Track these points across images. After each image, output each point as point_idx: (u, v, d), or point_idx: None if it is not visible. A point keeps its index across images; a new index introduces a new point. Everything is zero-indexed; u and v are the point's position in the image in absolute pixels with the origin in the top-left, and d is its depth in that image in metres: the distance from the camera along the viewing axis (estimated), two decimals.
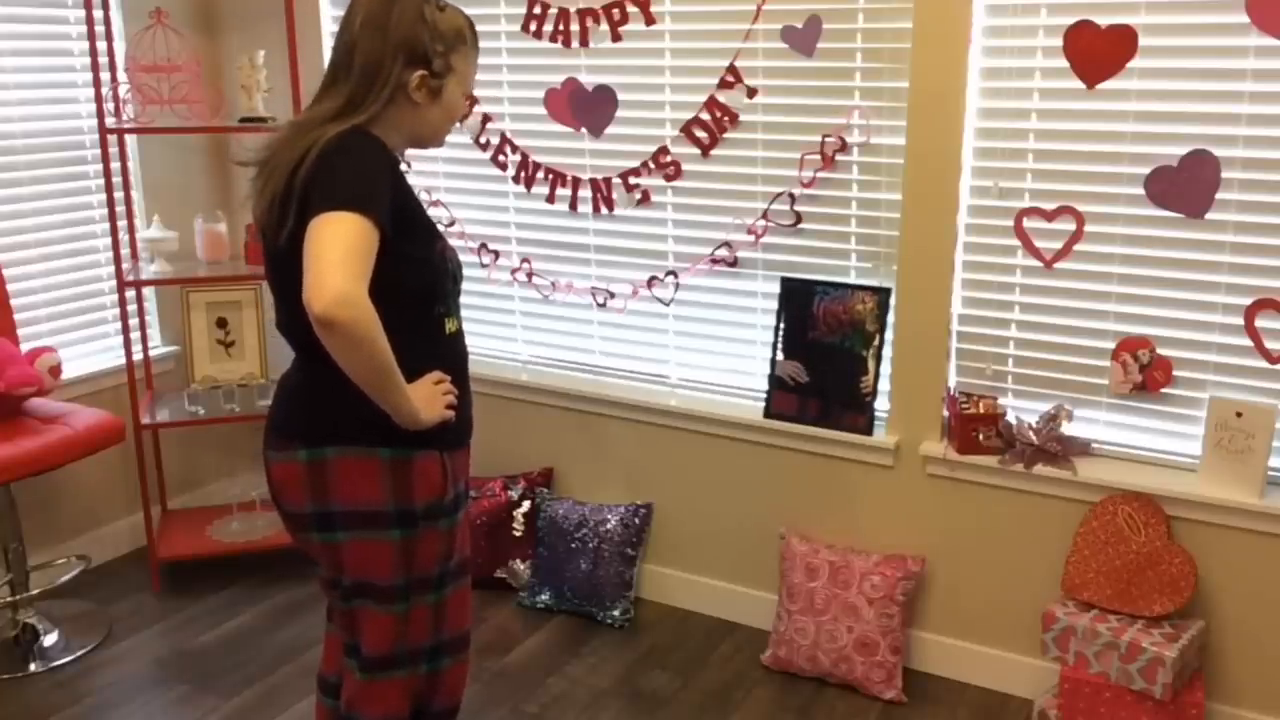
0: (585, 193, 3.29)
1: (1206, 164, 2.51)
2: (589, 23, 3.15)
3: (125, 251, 3.47)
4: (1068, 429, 2.75)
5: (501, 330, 3.57)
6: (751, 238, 3.07)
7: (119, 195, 3.46)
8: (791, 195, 2.99)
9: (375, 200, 1.76)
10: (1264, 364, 2.56)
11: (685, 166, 3.13)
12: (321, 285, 1.66)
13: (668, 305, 3.24)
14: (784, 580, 3.04)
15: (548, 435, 3.48)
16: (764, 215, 3.03)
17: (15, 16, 3.30)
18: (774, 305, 3.07)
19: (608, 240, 3.30)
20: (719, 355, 3.23)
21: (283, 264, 1.85)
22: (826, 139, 2.91)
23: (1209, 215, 2.54)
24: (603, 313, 3.37)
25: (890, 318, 2.92)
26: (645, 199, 3.20)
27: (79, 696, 2.95)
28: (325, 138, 1.80)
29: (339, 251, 1.68)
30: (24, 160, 3.37)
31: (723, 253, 3.12)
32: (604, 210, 3.28)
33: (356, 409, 1.84)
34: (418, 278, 1.91)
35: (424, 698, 2.13)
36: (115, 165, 3.44)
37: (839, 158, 2.92)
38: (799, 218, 2.99)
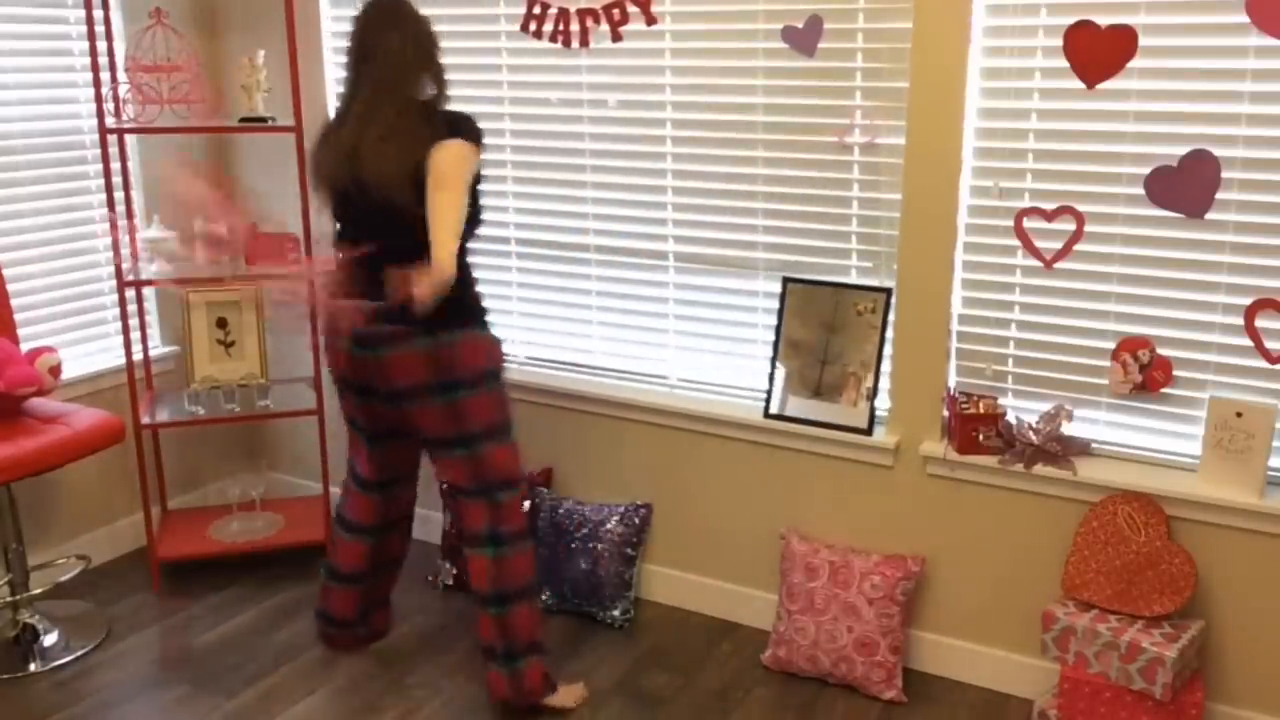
0: (585, 192, 3.30)
1: (1206, 164, 2.51)
2: (589, 23, 3.15)
3: (125, 251, 3.47)
4: (1068, 429, 2.75)
5: (500, 331, 3.57)
6: (753, 238, 3.08)
7: (119, 195, 3.46)
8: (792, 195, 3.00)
9: None
10: (1264, 364, 2.56)
11: (685, 166, 3.13)
12: None
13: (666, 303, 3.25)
14: (784, 580, 3.04)
15: (548, 435, 3.48)
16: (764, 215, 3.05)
17: (15, 16, 3.30)
18: (775, 305, 3.08)
19: (607, 240, 3.31)
20: (719, 355, 3.23)
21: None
22: (827, 139, 2.91)
23: (1209, 215, 2.54)
24: (602, 313, 3.37)
25: (890, 318, 2.92)
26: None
27: (79, 696, 2.95)
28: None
29: None
30: (24, 160, 3.37)
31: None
32: (602, 207, 3.29)
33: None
34: None
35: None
36: (115, 165, 3.44)
37: (840, 158, 2.92)
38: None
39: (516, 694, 2.80)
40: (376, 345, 2.66)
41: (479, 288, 2.78)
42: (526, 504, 2.84)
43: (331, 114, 2.73)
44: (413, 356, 2.63)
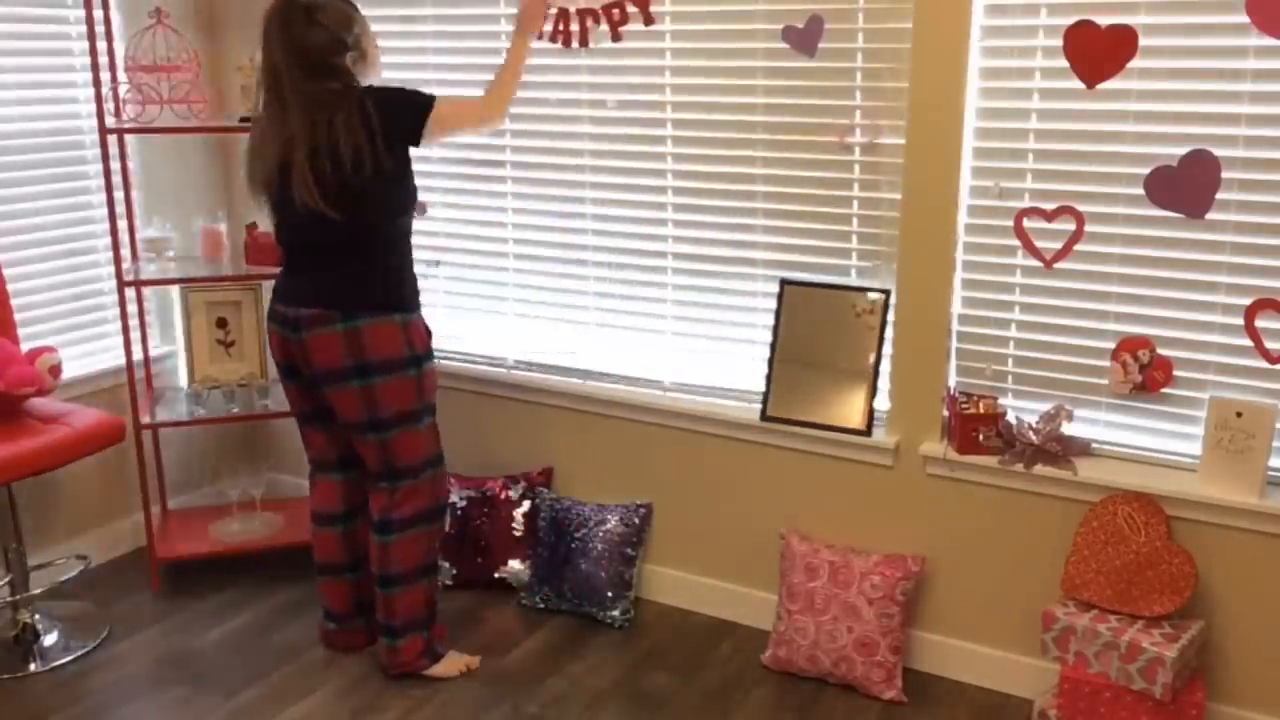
0: (584, 192, 3.30)
1: (1206, 164, 2.51)
2: (589, 22, 3.15)
3: (125, 251, 3.47)
4: (1068, 429, 2.74)
5: (498, 331, 3.57)
6: (752, 239, 3.08)
7: (119, 195, 3.45)
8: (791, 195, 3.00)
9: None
10: (1264, 364, 2.56)
11: (686, 166, 3.13)
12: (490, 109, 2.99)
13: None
14: (784, 580, 3.04)
15: (548, 435, 3.48)
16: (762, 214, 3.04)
17: (15, 16, 3.30)
18: (773, 306, 3.07)
19: (609, 241, 3.30)
20: (717, 356, 3.22)
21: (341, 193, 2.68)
22: (827, 139, 2.91)
23: (1209, 215, 2.54)
24: (600, 314, 3.37)
25: (890, 317, 2.92)
26: None
27: (79, 696, 2.95)
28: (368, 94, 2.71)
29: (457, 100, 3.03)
30: (24, 160, 3.37)
31: None
32: (602, 206, 3.29)
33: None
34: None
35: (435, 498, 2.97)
36: (115, 165, 3.44)
37: (839, 158, 2.92)
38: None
39: (391, 664, 2.97)
40: (298, 327, 2.78)
41: (413, 272, 2.89)
42: (456, 491, 3.15)
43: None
44: (330, 339, 2.74)
